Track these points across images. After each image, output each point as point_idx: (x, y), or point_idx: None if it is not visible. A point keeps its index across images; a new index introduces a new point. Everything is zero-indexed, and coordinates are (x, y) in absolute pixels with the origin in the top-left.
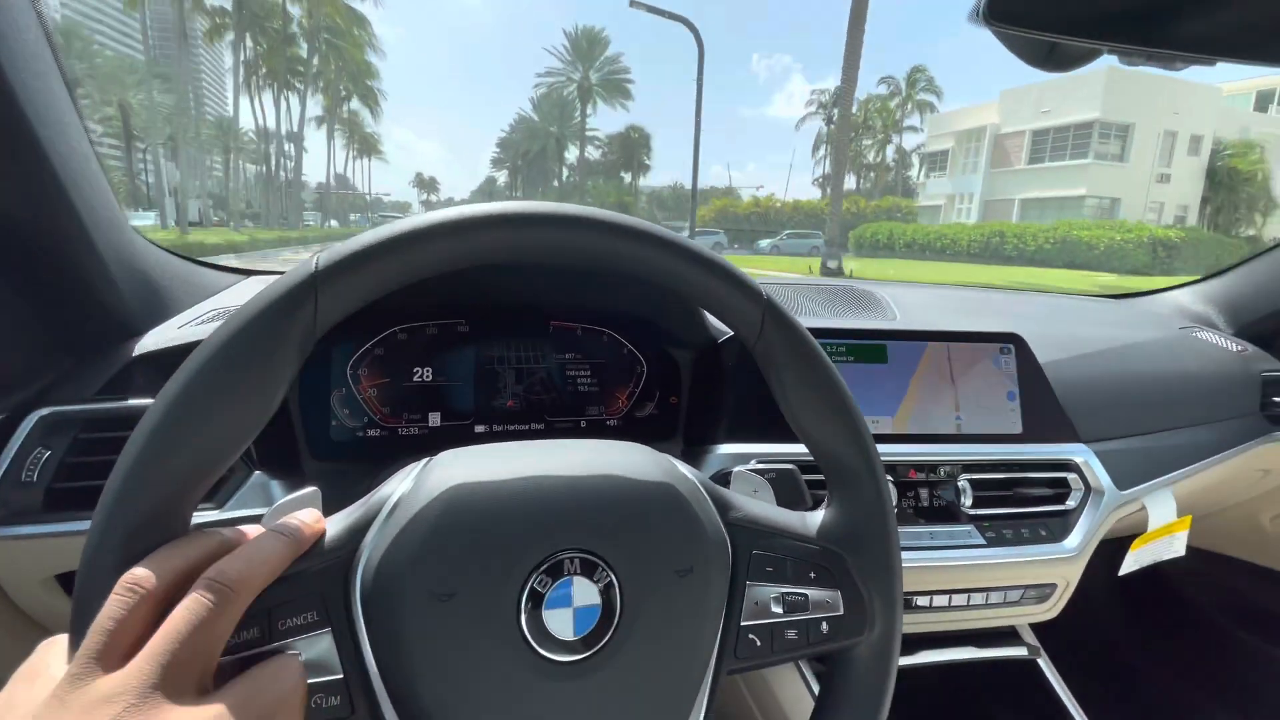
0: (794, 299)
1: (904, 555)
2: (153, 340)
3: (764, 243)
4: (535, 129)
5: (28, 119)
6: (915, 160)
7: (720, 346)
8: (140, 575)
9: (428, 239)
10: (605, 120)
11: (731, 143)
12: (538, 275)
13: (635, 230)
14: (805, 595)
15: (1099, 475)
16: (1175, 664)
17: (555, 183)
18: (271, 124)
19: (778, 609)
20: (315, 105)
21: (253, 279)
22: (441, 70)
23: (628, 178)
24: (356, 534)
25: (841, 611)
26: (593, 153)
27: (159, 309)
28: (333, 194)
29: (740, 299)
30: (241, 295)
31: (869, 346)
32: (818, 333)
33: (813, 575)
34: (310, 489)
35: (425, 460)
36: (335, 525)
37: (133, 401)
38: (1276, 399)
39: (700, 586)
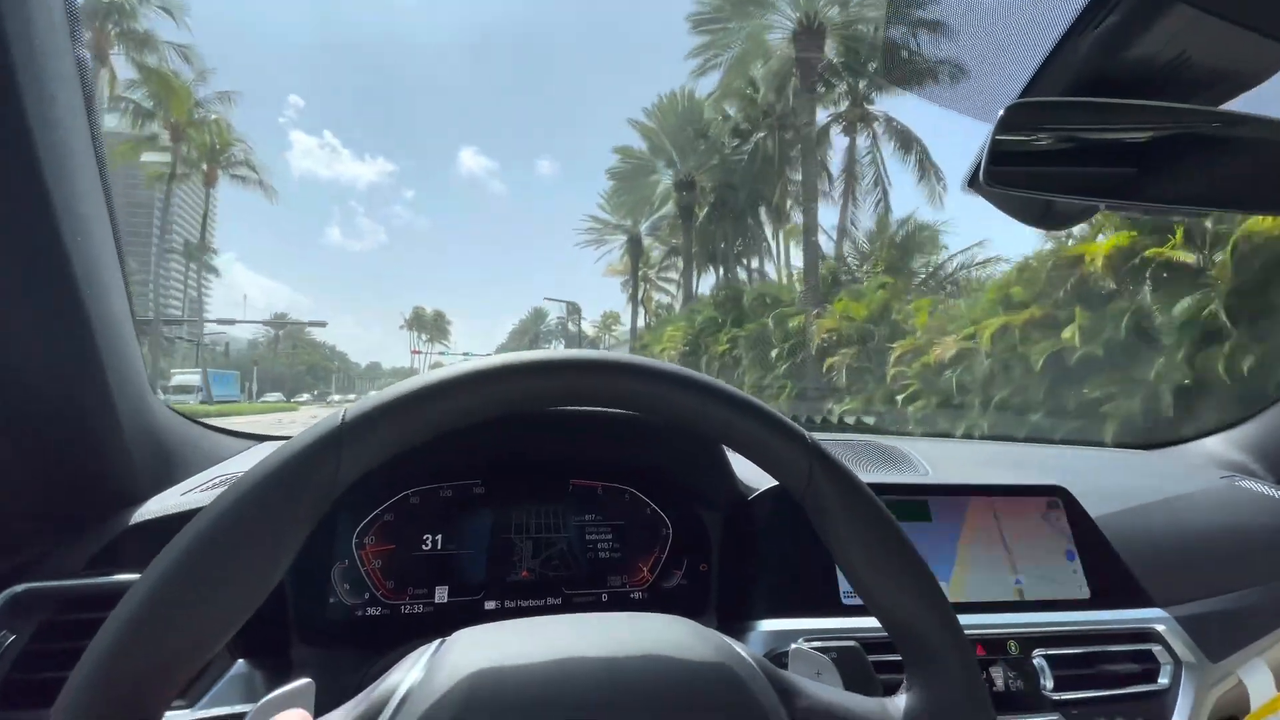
0: None
1: None
2: (153, 508)
3: None
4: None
5: (76, 281)
6: None
7: (751, 504)
8: None
9: (461, 388)
10: None
11: None
12: (559, 428)
13: (675, 376)
14: None
15: (1186, 646)
16: None
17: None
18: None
19: None
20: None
21: (265, 444)
22: (472, 247)
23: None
24: None
25: None
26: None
27: (165, 475)
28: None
29: (784, 443)
30: (250, 462)
31: (910, 503)
32: None
33: None
34: (303, 682)
35: (437, 642)
36: None
37: (118, 577)
38: None
39: None
